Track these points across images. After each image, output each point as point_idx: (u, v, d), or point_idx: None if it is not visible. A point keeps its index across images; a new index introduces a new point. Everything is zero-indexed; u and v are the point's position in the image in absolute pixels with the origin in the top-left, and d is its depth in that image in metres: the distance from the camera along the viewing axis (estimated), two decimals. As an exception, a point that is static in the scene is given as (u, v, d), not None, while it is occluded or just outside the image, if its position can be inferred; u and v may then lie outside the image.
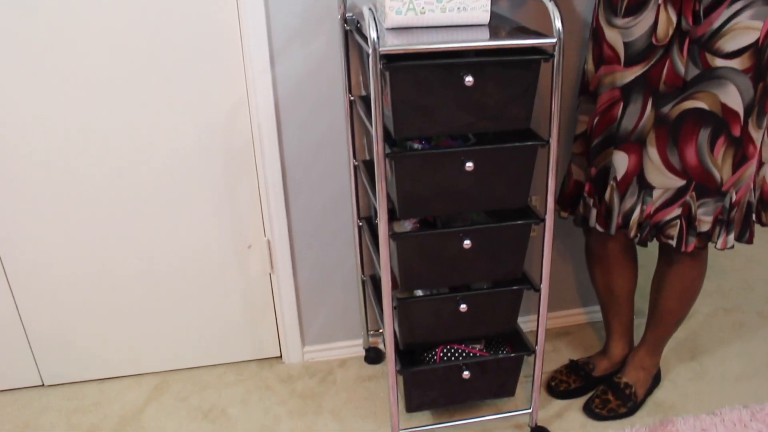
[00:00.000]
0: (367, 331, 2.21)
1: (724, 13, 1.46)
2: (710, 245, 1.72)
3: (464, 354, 1.81)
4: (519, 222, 1.60)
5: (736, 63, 1.49)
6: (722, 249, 1.69)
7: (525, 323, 2.32)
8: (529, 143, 1.51)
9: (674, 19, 1.51)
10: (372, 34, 1.33)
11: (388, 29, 1.48)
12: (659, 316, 1.92)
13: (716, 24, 1.47)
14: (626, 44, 1.60)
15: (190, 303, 2.10)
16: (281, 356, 2.25)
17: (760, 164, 1.66)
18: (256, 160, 1.93)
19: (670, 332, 1.96)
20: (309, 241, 2.05)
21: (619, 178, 1.70)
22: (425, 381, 1.77)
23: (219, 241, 2.02)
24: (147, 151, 1.87)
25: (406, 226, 1.74)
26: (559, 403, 2.00)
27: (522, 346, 1.83)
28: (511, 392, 1.87)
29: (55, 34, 1.69)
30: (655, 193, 1.66)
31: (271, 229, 2.00)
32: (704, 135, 1.57)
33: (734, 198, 1.64)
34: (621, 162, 1.68)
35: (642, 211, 1.70)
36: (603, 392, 1.97)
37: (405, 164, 1.47)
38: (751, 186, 1.67)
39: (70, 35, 1.70)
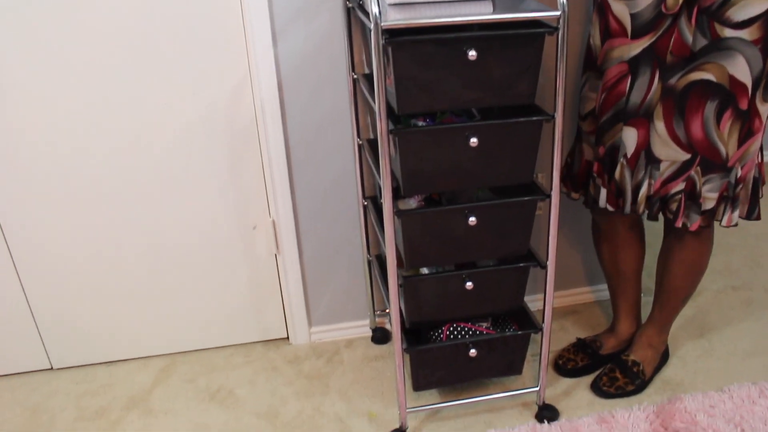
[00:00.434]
0: (374, 311, 2.20)
1: None
2: (717, 224, 1.71)
3: (471, 332, 1.80)
4: (524, 198, 1.59)
5: (745, 33, 1.46)
6: (727, 226, 1.67)
7: (532, 302, 2.31)
8: (534, 118, 1.49)
9: None
10: (374, 8, 1.31)
11: (390, 5, 1.45)
12: (666, 293, 1.91)
13: None
14: (633, 15, 1.56)
15: (197, 285, 2.10)
16: (288, 337, 2.25)
17: None
18: (260, 140, 1.93)
19: (677, 310, 1.95)
20: (314, 222, 2.04)
21: (629, 154, 1.67)
22: (432, 359, 1.77)
23: (224, 222, 2.02)
24: (150, 133, 1.86)
25: (411, 203, 1.73)
26: (566, 382, 2.00)
27: (529, 324, 1.82)
28: (518, 370, 1.86)
29: (56, 15, 1.68)
30: (662, 166, 1.65)
31: (276, 210, 2.00)
32: (711, 108, 1.55)
33: (740, 174, 1.62)
34: (630, 138, 1.66)
35: (650, 185, 1.68)
36: (611, 370, 1.96)
37: (409, 141, 1.46)
38: (756, 161, 1.65)
39: (72, 16, 1.69)
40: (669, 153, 1.62)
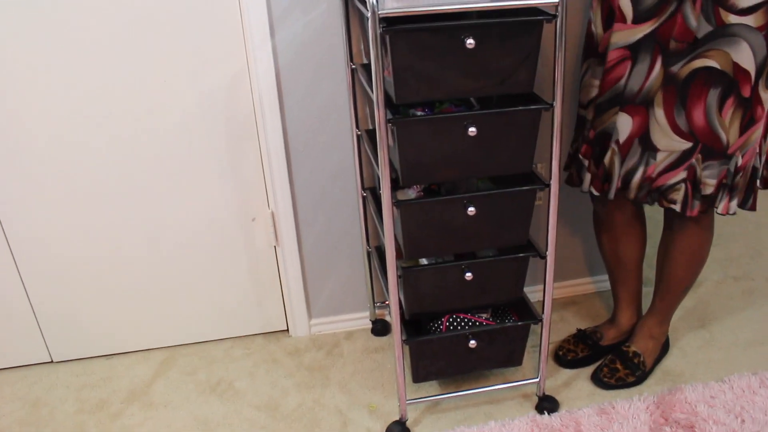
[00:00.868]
0: (374, 302, 2.20)
1: None
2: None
3: (471, 323, 1.80)
4: (524, 188, 1.58)
5: (750, 20, 1.45)
6: (723, 214, 1.66)
7: (532, 293, 2.31)
8: (533, 107, 1.48)
9: None
10: (371, -4, 1.30)
11: (388, -7, 1.45)
12: (666, 284, 1.91)
13: None
14: (635, 0, 1.55)
15: (196, 277, 2.10)
16: (288, 329, 2.25)
17: (767, 128, 1.63)
18: (258, 131, 1.92)
19: (678, 300, 1.94)
20: (313, 213, 2.04)
21: (621, 141, 1.66)
22: (432, 351, 1.76)
23: (223, 214, 2.02)
24: (148, 125, 1.86)
25: (410, 194, 1.73)
26: (566, 373, 2.00)
27: (529, 314, 1.82)
28: (518, 362, 1.86)
29: (54, 6, 1.68)
30: (659, 156, 1.63)
31: (274, 201, 1.99)
32: (714, 95, 1.53)
33: (740, 162, 1.61)
34: (624, 124, 1.65)
35: (644, 172, 1.67)
36: (611, 361, 1.96)
37: (407, 130, 1.45)
38: (757, 150, 1.64)
39: (70, 7, 1.68)
40: (668, 143, 1.61)
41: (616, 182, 1.71)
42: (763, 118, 1.57)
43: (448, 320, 1.80)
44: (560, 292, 2.37)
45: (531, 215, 1.63)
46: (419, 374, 1.81)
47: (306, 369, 2.07)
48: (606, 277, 2.36)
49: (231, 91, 1.86)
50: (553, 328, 2.20)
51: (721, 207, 1.66)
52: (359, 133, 1.92)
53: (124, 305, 2.10)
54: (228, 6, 1.76)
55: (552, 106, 1.48)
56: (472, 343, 1.75)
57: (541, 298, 1.75)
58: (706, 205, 1.66)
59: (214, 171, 1.95)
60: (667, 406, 1.82)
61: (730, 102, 1.54)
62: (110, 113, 1.82)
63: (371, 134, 1.88)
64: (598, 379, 1.94)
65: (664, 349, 2.03)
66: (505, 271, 1.70)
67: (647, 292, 2.14)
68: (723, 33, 1.48)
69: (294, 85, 1.85)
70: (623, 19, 1.58)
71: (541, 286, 2.31)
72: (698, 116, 1.56)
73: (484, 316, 1.84)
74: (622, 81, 1.63)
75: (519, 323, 1.78)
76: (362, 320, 2.25)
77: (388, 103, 1.45)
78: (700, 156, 1.61)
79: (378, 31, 1.33)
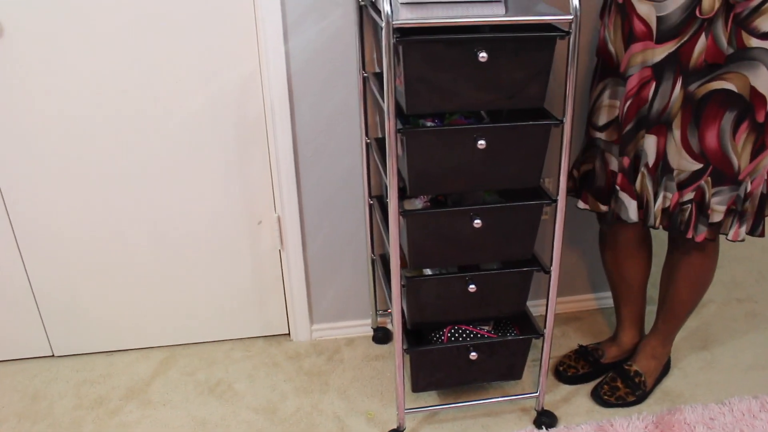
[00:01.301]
0: (376, 310, 2.20)
1: None
2: (723, 237, 1.69)
3: (472, 335, 1.80)
4: (531, 202, 1.58)
5: None
6: (734, 240, 1.65)
7: (535, 308, 2.30)
8: (543, 122, 1.48)
9: None
10: (386, 7, 1.31)
11: (402, 3, 1.46)
12: (670, 306, 1.90)
13: (757, 0, 1.42)
14: (659, 18, 1.50)
15: (200, 278, 2.11)
16: (289, 333, 2.25)
17: None
18: (268, 135, 1.93)
19: (681, 322, 1.94)
20: (319, 219, 2.04)
21: (650, 164, 1.64)
22: (432, 361, 1.76)
23: (229, 215, 2.02)
24: (158, 124, 1.87)
25: (417, 204, 1.73)
26: (566, 388, 1.99)
27: (531, 328, 1.82)
28: (518, 375, 1.86)
29: (70, 3, 1.69)
30: (674, 176, 1.62)
31: (281, 205, 2.00)
32: (728, 118, 1.52)
33: (749, 188, 1.61)
34: (651, 146, 1.63)
35: (665, 198, 1.65)
36: (612, 379, 1.95)
37: (416, 140, 1.46)
38: (765, 176, 1.62)
39: (84, 4, 1.69)
40: (681, 162, 1.60)
41: (652, 207, 1.67)
42: None
43: (449, 331, 1.80)
44: (563, 307, 2.37)
45: (537, 230, 1.63)
46: (419, 384, 1.81)
47: (305, 374, 2.07)
48: (609, 293, 2.36)
49: (242, 94, 1.87)
50: (555, 344, 2.19)
51: (731, 234, 1.64)
52: (368, 141, 1.92)
53: (127, 302, 2.10)
54: (243, 10, 1.77)
55: (562, 122, 1.49)
56: (473, 355, 1.75)
57: (544, 313, 1.74)
58: (714, 232, 1.65)
59: (222, 173, 1.96)
60: (665, 426, 1.82)
61: (744, 126, 1.53)
62: (120, 111, 1.83)
63: (380, 143, 1.88)
64: (598, 397, 1.93)
65: (665, 369, 2.02)
66: (509, 285, 1.70)
67: (650, 311, 2.13)
68: (743, 56, 1.47)
69: (305, 90, 1.86)
70: (648, 38, 1.54)
71: (544, 301, 2.30)
72: (711, 138, 1.55)
73: (486, 328, 1.84)
74: (647, 104, 1.60)
75: (520, 337, 1.78)
76: (364, 327, 2.25)
77: (399, 112, 1.45)
78: (709, 179, 1.59)
79: (391, 41, 1.34)
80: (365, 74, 1.84)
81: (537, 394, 1.84)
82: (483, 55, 1.37)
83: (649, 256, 1.93)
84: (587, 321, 2.33)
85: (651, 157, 1.64)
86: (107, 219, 1.97)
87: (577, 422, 1.86)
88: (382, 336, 2.21)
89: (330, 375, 2.06)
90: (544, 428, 1.83)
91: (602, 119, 1.72)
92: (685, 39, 1.50)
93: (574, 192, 1.85)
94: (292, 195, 1.97)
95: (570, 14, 1.36)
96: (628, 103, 1.62)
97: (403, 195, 1.63)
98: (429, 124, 1.67)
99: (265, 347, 2.20)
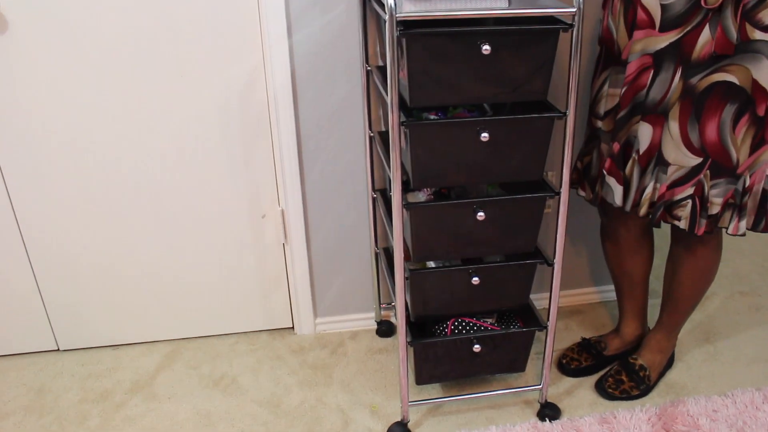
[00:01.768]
0: (380, 304, 2.21)
1: None
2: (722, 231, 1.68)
3: (475, 327, 1.80)
4: (534, 195, 1.58)
5: None
6: (734, 235, 1.64)
7: (538, 301, 2.31)
8: (546, 115, 1.49)
9: None
10: (389, 0, 1.31)
11: (406, -4, 1.46)
12: (674, 301, 1.90)
13: None
14: (664, 6, 1.49)
15: (204, 272, 2.11)
16: (293, 327, 2.26)
17: None
18: (272, 129, 1.93)
19: (686, 316, 1.94)
20: (323, 212, 2.05)
21: (641, 151, 1.64)
22: (435, 354, 1.77)
23: (233, 209, 2.03)
24: (161, 119, 1.87)
25: (420, 197, 1.74)
26: (569, 381, 2.00)
27: (534, 321, 1.82)
28: (521, 368, 1.86)
29: (74, 1, 1.70)
30: (669, 170, 1.62)
31: (285, 199, 2.00)
32: (729, 111, 1.52)
33: (747, 183, 1.60)
34: (645, 134, 1.62)
35: (655, 189, 1.65)
36: (617, 372, 1.96)
37: (420, 133, 1.46)
38: (766, 172, 1.62)
39: (89, 2, 1.71)
40: (678, 157, 1.60)
41: (633, 194, 1.69)
42: None
43: (453, 324, 1.81)
44: (566, 300, 2.37)
45: (540, 222, 1.63)
46: (422, 376, 1.82)
47: (309, 367, 2.08)
48: (611, 287, 2.36)
49: (246, 88, 1.87)
50: (558, 336, 2.20)
51: (731, 228, 1.64)
52: (372, 134, 1.93)
53: (131, 297, 2.11)
54: (247, 4, 1.77)
55: (565, 114, 1.49)
56: (477, 347, 1.75)
57: (547, 305, 1.75)
58: (712, 224, 1.65)
59: (226, 167, 1.96)
60: (668, 418, 1.82)
61: (744, 120, 1.52)
62: (124, 107, 1.84)
63: (384, 136, 1.89)
64: (602, 389, 1.93)
65: (669, 362, 2.03)
66: (512, 277, 1.71)
67: (654, 304, 2.14)
68: (746, 48, 1.46)
69: (309, 84, 1.87)
70: (650, 26, 1.53)
71: (547, 294, 2.31)
72: (711, 131, 1.55)
73: (489, 321, 1.84)
74: (644, 90, 1.59)
75: (524, 329, 1.78)
76: (367, 321, 2.25)
77: (402, 105, 1.46)
78: (708, 173, 1.59)
79: (395, 34, 1.34)
80: (368, 68, 1.84)
81: (540, 386, 1.85)
82: (486, 48, 1.37)
83: (651, 249, 1.93)
84: (590, 314, 2.33)
85: (643, 145, 1.64)
86: (112, 214, 1.97)
87: (580, 414, 1.86)
88: (385, 329, 2.21)
89: (334, 368, 2.07)
90: (547, 420, 1.83)
91: (603, 109, 1.73)
92: (689, 29, 1.49)
93: (577, 183, 1.85)
94: (296, 189, 1.98)
95: (573, 7, 1.37)
96: (625, 89, 1.62)
97: (406, 188, 1.63)
98: (432, 117, 1.67)
99: (269, 341, 2.21)
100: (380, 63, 1.87)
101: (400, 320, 1.66)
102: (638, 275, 1.96)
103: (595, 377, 2.00)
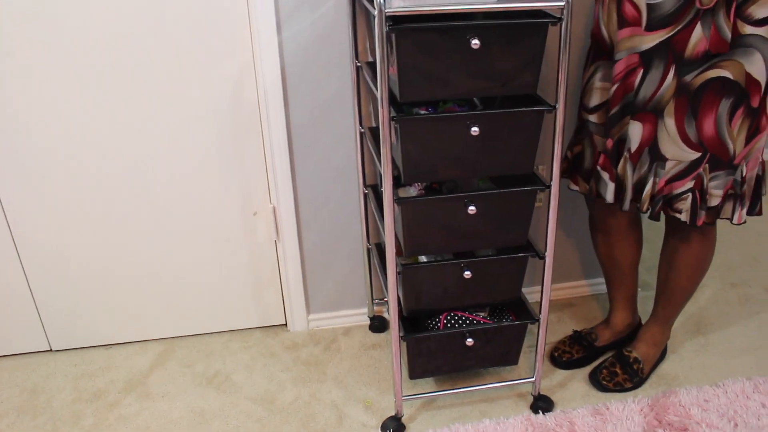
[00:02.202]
0: (372, 299, 2.21)
1: None
2: (723, 221, 1.70)
3: (468, 321, 1.81)
4: (524, 188, 1.59)
5: (764, 31, 1.46)
6: (738, 224, 1.67)
7: (530, 294, 2.32)
8: (536, 108, 1.49)
9: None
10: (378, -5, 1.32)
11: (395, -8, 1.46)
12: (670, 293, 1.91)
13: None
14: (650, 6, 1.51)
15: (196, 270, 2.11)
16: (286, 324, 2.26)
17: None
18: (262, 126, 1.93)
19: (680, 307, 1.95)
20: (315, 209, 2.05)
21: (633, 149, 1.66)
22: (429, 348, 1.77)
23: (225, 207, 2.03)
24: (150, 116, 1.87)
25: (412, 192, 1.74)
26: (562, 373, 2.01)
27: (526, 314, 1.83)
28: (514, 361, 1.87)
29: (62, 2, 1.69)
30: (668, 165, 1.63)
31: (276, 196, 2.00)
32: (725, 105, 1.54)
33: (745, 171, 1.62)
34: (636, 132, 1.64)
35: (654, 183, 1.67)
36: (611, 364, 1.97)
37: (410, 128, 1.47)
38: (760, 158, 1.65)
39: (77, 1, 1.70)
40: (677, 153, 1.61)
41: (629, 192, 1.71)
42: (767, 128, 1.59)
43: (445, 318, 1.81)
44: (557, 293, 2.38)
45: (531, 216, 1.64)
46: (416, 371, 1.82)
47: (303, 363, 2.08)
48: (603, 280, 2.37)
49: (236, 85, 1.87)
50: (550, 329, 2.21)
51: (735, 217, 1.67)
52: (362, 130, 1.93)
53: (123, 296, 2.11)
54: (236, 2, 1.77)
55: (555, 108, 1.50)
56: (469, 341, 1.76)
57: (539, 299, 1.76)
58: (712, 216, 1.67)
59: (217, 164, 1.96)
60: (661, 408, 1.84)
61: (739, 113, 1.54)
62: (114, 104, 1.83)
63: (374, 132, 1.89)
64: (596, 381, 1.95)
65: (662, 355, 2.04)
66: (504, 271, 1.71)
67: (648, 297, 2.15)
68: (739, 44, 1.48)
69: (299, 81, 1.87)
70: (637, 24, 1.55)
71: (539, 287, 2.32)
72: (709, 126, 1.56)
73: (482, 314, 1.85)
74: (632, 91, 1.62)
75: (516, 323, 1.79)
76: (360, 317, 2.26)
77: (392, 101, 1.46)
78: (707, 166, 1.61)
79: (384, 30, 1.35)
80: (358, 64, 1.84)
81: (533, 379, 1.86)
82: (475, 42, 1.37)
83: (640, 238, 1.95)
84: (582, 307, 2.34)
85: (634, 144, 1.66)
86: (103, 213, 1.97)
87: (573, 406, 1.87)
88: (378, 325, 2.22)
89: (327, 364, 2.07)
90: (540, 413, 1.84)
91: (593, 101, 1.74)
92: (680, 27, 1.50)
93: (567, 174, 1.87)
94: (287, 185, 1.98)
95: (561, 1, 1.37)
96: (615, 87, 1.64)
97: (397, 183, 1.64)
98: (422, 112, 1.68)
99: (263, 338, 2.21)
100: (370, 59, 1.88)
101: (392, 315, 1.66)
102: (627, 264, 1.98)
103: (587, 369, 2.01)
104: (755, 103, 1.53)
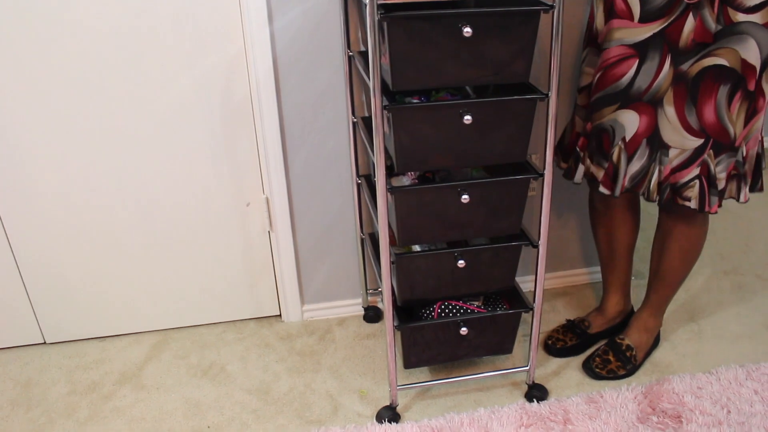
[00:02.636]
0: (366, 289, 2.21)
1: None
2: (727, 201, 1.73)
3: (462, 310, 1.81)
4: (517, 177, 1.59)
5: (756, 17, 1.48)
6: (744, 202, 1.71)
7: (525, 284, 2.32)
8: (528, 96, 1.49)
9: None
10: (369, -17, 1.31)
11: (386, -20, 1.45)
12: (662, 276, 1.92)
13: None
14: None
15: (190, 261, 2.11)
16: (281, 315, 2.26)
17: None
18: (255, 116, 1.92)
19: (672, 292, 1.96)
20: (308, 199, 2.05)
21: (628, 138, 1.68)
22: (423, 337, 1.78)
23: (218, 198, 2.02)
24: (144, 110, 1.86)
25: (405, 181, 1.74)
26: (556, 362, 2.02)
27: (520, 303, 1.83)
28: (508, 350, 1.88)
29: (50, -13, 1.68)
30: (671, 153, 1.65)
31: (269, 187, 2.00)
32: (723, 91, 1.56)
33: (745, 152, 1.66)
34: (631, 122, 1.66)
35: (660, 172, 1.68)
36: (604, 352, 1.98)
37: (403, 117, 1.46)
38: (759, 138, 1.68)
39: (66, -12, 1.69)
40: (679, 141, 1.63)
41: (621, 180, 1.72)
42: (764, 108, 1.62)
43: (440, 307, 1.82)
44: (552, 282, 2.39)
45: (524, 204, 1.64)
46: (410, 360, 1.83)
47: (298, 354, 2.08)
48: (597, 268, 2.38)
49: (228, 75, 1.86)
50: (544, 318, 2.21)
51: (741, 197, 1.70)
52: (355, 120, 1.92)
53: (117, 288, 2.11)
54: (226, -10, 1.77)
55: (547, 96, 1.49)
56: (464, 330, 1.76)
57: (533, 288, 1.76)
58: (720, 199, 1.69)
59: (210, 155, 1.96)
60: (654, 396, 1.84)
61: (737, 97, 1.57)
62: (105, 96, 1.82)
63: (367, 121, 1.89)
64: (589, 369, 1.95)
65: (655, 342, 2.05)
66: (498, 260, 1.72)
67: (640, 285, 2.16)
68: (732, 31, 1.51)
69: (291, 71, 1.86)
70: (629, 17, 1.59)
71: (533, 276, 2.32)
72: (709, 113, 1.59)
73: (476, 303, 1.85)
74: (625, 79, 1.64)
75: (510, 312, 1.79)
76: (355, 307, 2.26)
77: (385, 90, 1.45)
78: (711, 152, 1.63)
79: (375, 18, 1.34)
80: (350, 53, 1.84)
81: (528, 368, 1.86)
82: (467, 31, 1.37)
83: (638, 221, 1.97)
84: (576, 296, 2.35)
85: (629, 133, 1.68)
86: (95, 204, 1.96)
87: (567, 394, 1.88)
88: (373, 315, 2.22)
89: (322, 354, 2.07)
90: (535, 401, 1.85)
91: (580, 83, 1.81)
92: (672, 19, 1.53)
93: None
94: (280, 176, 1.98)
95: (553, -12, 1.37)
96: (600, 74, 1.68)
97: (390, 173, 1.63)
98: (415, 101, 1.67)
99: (257, 329, 2.21)
100: (362, 48, 1.87)
101: (386, 304, 1.66)
102: (623, 246, 1.99)
103: (581, 357, 2.02)
104: (751, 86, 1.56)
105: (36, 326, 2.12)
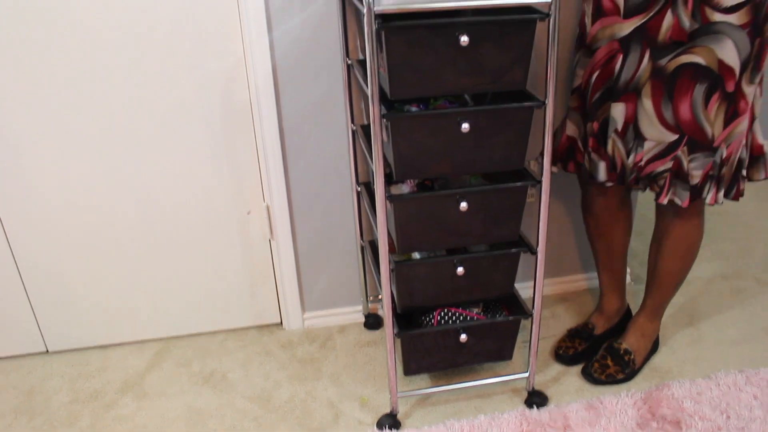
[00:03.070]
0: (367, 297, 2.22)
1: None
2: (716, 209, 1.73)
3: (462, 317, 1.82)
4: (515, 184, 1.60)
5: (733, 18, 1.49)
6: (712, 204, 1.70)
7: (524, 290, 2.33)
8: (525, 104, 1.50)
9: None
10: (367, -7, 1.32)
11: (384, -10, 1.47)
12: (659, 278, 1.93)
13: None
14: None
15: (191, 269, 2.12)
16: (281, 322, 2.26)
17: (752, 120, 1.67)
18: (254, 125, 1.93)
19: (669, 295, 1.97)
20: (308, 207, 2.06)
21: (619, 129, 1.70)
22: (423, 344, 1.78)
23: (218, 206, 2.03)
24: (144, 118, 1.87)
25: (404, 189, 1.75)
26: (556, 368, 2.02)
27: (519, 309, 1.84)
28: (508, 356, 1.88)
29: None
30: (647, 144, 1.67)
31: (270, 195, 2.01)
32: (699, 90, 1.57)
33: (724, 154, 1.66)
34: (619, 113, 1.69)
35: (634, 158, 1.70)
36: (602, 357, 1.98)
37: (401, 126, 1.47)
38: (743, 142, 1.68)
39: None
40: (655, 134, 1.65)
41: (621, 168, 1.75)
42: (747, 112, 1.62)
43: (439, 314, 1.82)
44: (552, 288, 2.40)
45: (522, 211, 1.65)
46: (410, 368, 1.83)
47: (299, 361, 2.09)
48: (596, 273, 2.38)
49: (228, 84, 1.87)
50: (544, 324, 2.22)
51: (709, 198, 1.69)
52: (354, 128, 1.94)
53: (119, 296, 2.11)
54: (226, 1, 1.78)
55: (544, 103, 1.50)
56: (463, 337, 1.77)
57: (532, 294, 1.77)
58: (695, 195, 1.69)
59: (210, 163, 1.97)
60: (654, 401, 1.85)
61: (715, 97, 1.58)
62: (105, 102, 1.83)
63: (366, 129, 1.90)
64: (588, 374, 1.96)
65: (654, 347, 2.05)
66: (497, 267, 1.72)
67: (638, 290, 2.16)
68: (708, 30, 1.52)
69: (290, 79, 1.87)
70: (615, 13, 1.62)
71: (532, 282, 2.33)
72: (684, 110, 1.60)
73: (476, 310, 1.86)
74: (615, 73, 1.67)
75: (509, 318, 1.80)
76: (355, 314, 2.27)
77: (383, 98, 1.47)
78: (686, 148, 1.64)
79: (373, 28, 1.35)
80: (349, 62, 1.85)
81: (527, 374, 1.87)
82: (464, 39, 1.38)
83: (630, 220, 1.98)
84: (576, 301, 2.35)
85: (620, 123, 1.70)
86: (97, 212, 1.97)
87: (567, 401, 1.88)
88: (373, 322, 2.23)
89: (323, 362, 2.08)
90: (535, 408, 1.85)
91: (572, 85, 1.83)
92: (652, 14, 1.57)
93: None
94: (280, 184, 1.99)
95: (549, -4, 1.38)
96: (596, 74, 1.71)
97: (389, 180, 1.64)
98: (413, 109, 1.68)
99: (258, 337, 2.22)
100: (361, 56, 1.88)
101: (386, 311, 1.67)
102: (617, 246, 2.00)
103: (581, 364, 2.02)
104: (730, 87, 1.57)
105: (39, 335, 2.12)
